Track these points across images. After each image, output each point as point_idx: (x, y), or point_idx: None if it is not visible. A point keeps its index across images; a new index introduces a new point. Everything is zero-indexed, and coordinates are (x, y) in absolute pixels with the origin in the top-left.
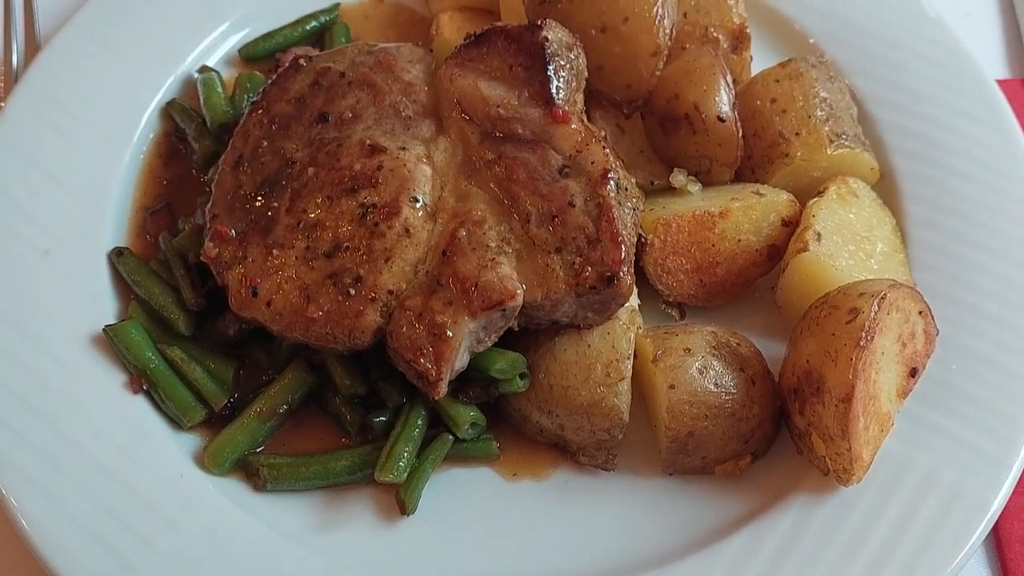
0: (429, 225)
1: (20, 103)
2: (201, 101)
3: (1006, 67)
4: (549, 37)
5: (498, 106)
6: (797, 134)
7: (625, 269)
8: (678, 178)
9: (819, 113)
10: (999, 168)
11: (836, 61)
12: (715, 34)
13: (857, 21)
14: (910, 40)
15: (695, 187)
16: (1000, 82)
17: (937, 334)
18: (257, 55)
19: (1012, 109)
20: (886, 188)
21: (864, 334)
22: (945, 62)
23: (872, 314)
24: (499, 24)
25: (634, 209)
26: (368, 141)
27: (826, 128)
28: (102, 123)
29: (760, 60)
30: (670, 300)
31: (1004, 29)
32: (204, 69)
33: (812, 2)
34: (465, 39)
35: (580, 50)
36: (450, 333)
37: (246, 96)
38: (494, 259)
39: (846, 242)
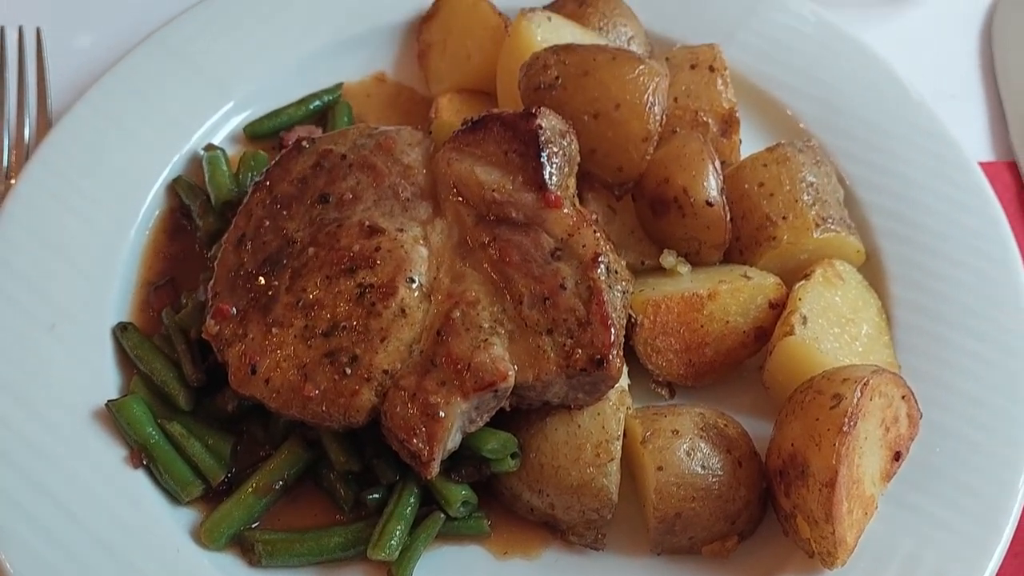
0: (424, 305)
1: (30, 179)
2: (206, 179)
3: (991, 149)
4: (543, 125)
5: (493, 190)
6: (784, 217)
7: (614, 352)
8: (668, 259)
9: (805, 197)
10: (983, 252)
11: (824, 144)
12: (705, 118)
13: (844, 106)
14: (896, 125)
15: (684, 268)
16: (985, 164)
17: (921, 417)
18: (262, 133)
19: (997, 191)
20: (872, 270)
21: (847, 420)
22: (930, 147)
23: (855, 400)
24: (495, 111)
25: (624, 292)
26: (367, 222)
27: (812, 212)
28: (110, 199)
29: (750, 142)
30: (660, 379)
31: (989, 111)
32: (210, 147)
33: (801, 86)
34: (463, 124)
35: (573, 136)
36: (442, 414)
37: (250, 174)
38: (487, 340)
39: (831, 325)
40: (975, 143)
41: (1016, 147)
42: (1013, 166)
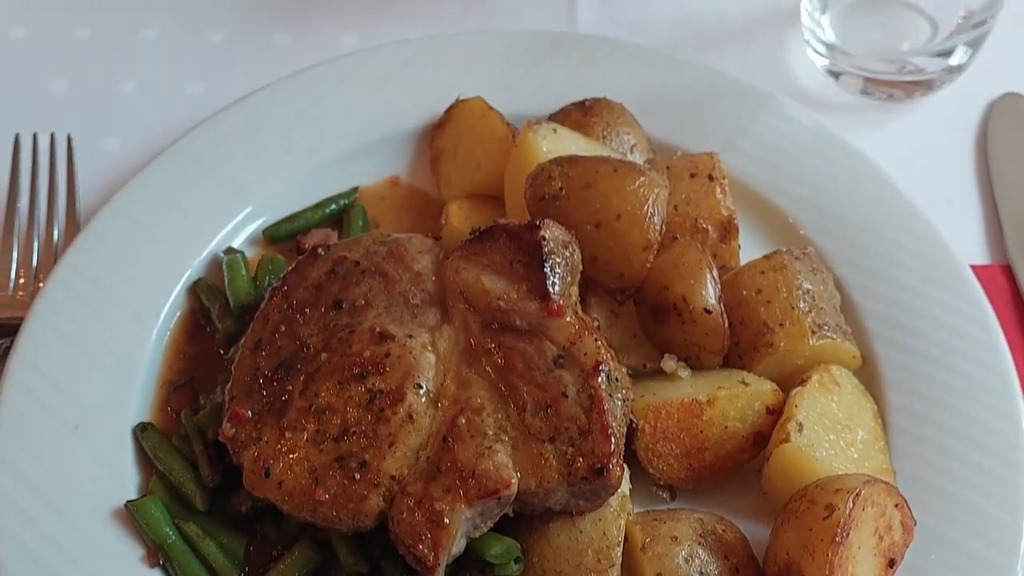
0: (431, 411)
1: (58, 282)
2: (226, 282)
3: (987, 252)
4: (546, 236)
5: (499, 299)
6: (781, 324)
7: (614, 461)
8: (668, 364)
9: (802, 304)
10: (976, 358)
11: (822, 249)
12: (704, 225)
13: (841, 212)
14: (891, 231)
15: (685, 373)
16: (981, 268)
17: (915, 524)
18: (280, 236)
19: (993, 294)
20: (868, 374)
21: (839, 530)
22: (924, 253)
23: (847, 511)
24: (502, 221)
25: (624, 400)
26: (378, 328)
27: (808, 319)
28: (134, 301)
29: (750, 246)
30: (661, 483)
31: (984, 215)
32: (230, 251)
33: (799, 192)
34: (471, 233)
35: (575, 247)
36: (447, 520)
37: (268, 278)
38: (491, 447)
39: (827, 431)
40: (971, 246)
41: (1011, 250)
42: (1008, 269)
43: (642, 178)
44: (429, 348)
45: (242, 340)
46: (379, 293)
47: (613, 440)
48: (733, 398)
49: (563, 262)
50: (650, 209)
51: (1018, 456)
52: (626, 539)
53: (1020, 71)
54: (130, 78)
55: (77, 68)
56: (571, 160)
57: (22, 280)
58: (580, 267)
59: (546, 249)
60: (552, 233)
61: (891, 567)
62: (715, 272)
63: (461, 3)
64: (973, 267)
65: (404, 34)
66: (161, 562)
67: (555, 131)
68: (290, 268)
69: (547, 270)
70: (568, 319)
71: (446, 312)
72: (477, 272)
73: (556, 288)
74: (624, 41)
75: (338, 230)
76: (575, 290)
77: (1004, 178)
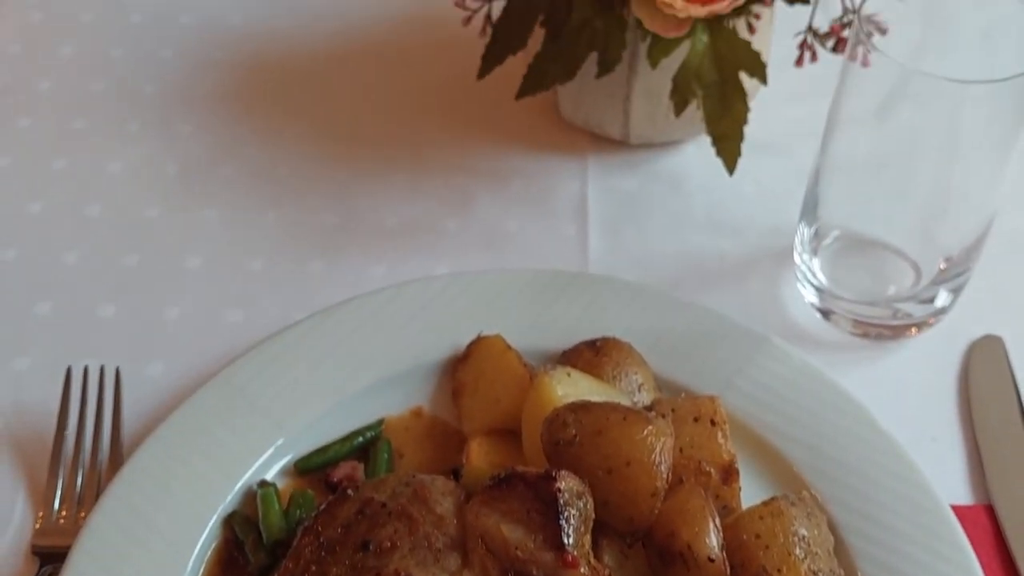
0: None
1: (103, 514)
2: (260, 517)
3: (969, 491)
4: (562, 488)
5: (516, 548)
6: (779, 570)
7: None
8: None
9: (798, 551)
10: None
11: (816, 489)
12: (707, 468)
13: (833, 453)
14: (877, 472)
15: None
16: (963, 508)
17: None
18: (310, 468)
19: (975, 534)
20: None
21: None
22: (908, 495)
23: None
24: (520, 470)
25: None
26: (402, 573)
27: (804, 566)
28: (173, 533)
29: (751, 482)
30: None
31: (967, 454)
32: (263, 484)
33: (793, 434)
34: (491, 479)
35: (588, 497)
36: None
37: (299, 512)
38: None
39: None
40: (955, 485)
41: (992, 491)
42: (990, 509)
43: (650, 427)
44: None
45: None
46: (404, 535)
47: None
48: None
49: (577, 513)
50: (657, 457)
51: None
52: None
53: (997, 313)
54: (174, 304)
55: (125, 294)
56: (584, 407)
57: (64, 512)
58: (593, 516)
59: (561, 501)
60: (567, 484)
61: None
62: (718, 520)
63: (482, 237)
64: (956, 507)
65: (429, 264)
66: None
67: (568, 375)
68: (321, 507)
69: (563, 522)
70: (582, 571)
71: (466, 556)
72: (496, 519)
73: (571, 540)
74: (630, 281)
75: (364, 461)
76: (588, 538)
77: (984, 419)
